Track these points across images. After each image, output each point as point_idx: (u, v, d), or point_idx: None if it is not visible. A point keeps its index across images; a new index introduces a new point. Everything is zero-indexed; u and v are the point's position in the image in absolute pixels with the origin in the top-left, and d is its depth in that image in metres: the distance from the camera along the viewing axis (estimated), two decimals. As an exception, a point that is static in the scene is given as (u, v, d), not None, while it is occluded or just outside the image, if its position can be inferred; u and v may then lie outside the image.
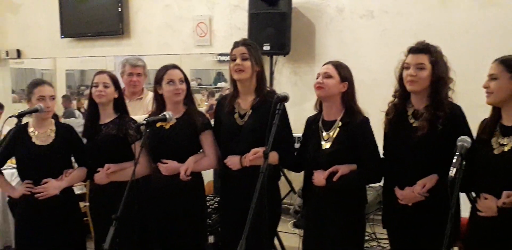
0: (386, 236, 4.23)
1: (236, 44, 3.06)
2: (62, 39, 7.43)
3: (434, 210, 2.61)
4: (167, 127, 3.12)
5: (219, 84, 6.35)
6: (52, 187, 3.12)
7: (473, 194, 2.65)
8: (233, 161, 3.04)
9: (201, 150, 3.21)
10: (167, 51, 6.57)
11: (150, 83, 6.16)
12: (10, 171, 3.92)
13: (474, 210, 2.57)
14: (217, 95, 6.25)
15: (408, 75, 2.66)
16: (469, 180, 2.48)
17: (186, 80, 3.16)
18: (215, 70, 6.36)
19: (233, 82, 3.10)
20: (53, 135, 3.19)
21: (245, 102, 3.08)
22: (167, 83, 3.10)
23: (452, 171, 2.19)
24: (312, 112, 3.07)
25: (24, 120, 3.16)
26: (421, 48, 2.67)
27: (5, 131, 3.29)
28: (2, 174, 3.33)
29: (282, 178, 4.92)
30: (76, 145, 3.24)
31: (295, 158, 3.11)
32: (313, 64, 5.74)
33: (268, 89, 3.13)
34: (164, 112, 2.95)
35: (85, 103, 4.19)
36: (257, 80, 3.06)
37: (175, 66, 3.16)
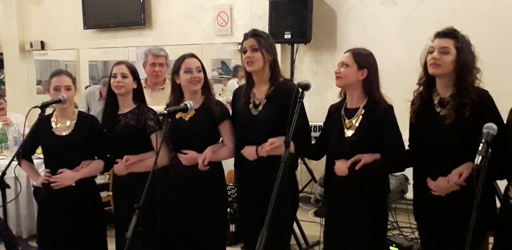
0: (408, 225, 4.22)
1: (245, 36, 3.04)
2: (85, 30, 7.47)
3: (468, 200, 2.49)
4: (187, 118, 3.11)
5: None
6: (66, 177, 3.14)
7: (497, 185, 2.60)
8: (249, 152, 3.02)
9: (221, 140, 3.20)
10: (188, 41, 6.57)
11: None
12: (35, 161, 3.96)
13: (506, 198, 2.52)
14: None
15: (432, 58, 2.60)
16: (501, 168, 2.43)
17: (203, 70, 3.15)
18: (236, 59, 6.34)
19: (247, 73, 3.08)
20: (73, 125, 3.20)
21: (259, 92, 3.06)
22: (185, 72, 3.08)
23: (478, 159, 2.13)
24: (333, 100, 3.03)
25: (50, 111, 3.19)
26: (447, 33, 2.62)
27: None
28: (32, 161, 3.39)
29: (303, 166, 4.93)
30: (96, 137, 3.23)
31: (315, 145, 3.08)
32: (335, 52, 5.68)
33: (283, 78, 3.10)
34: (185, 102, 2.93)
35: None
36: (271, 69, 3.03)
37: (192, 55, 3.16)
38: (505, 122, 2.53)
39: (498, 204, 2.68)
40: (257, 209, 2.93)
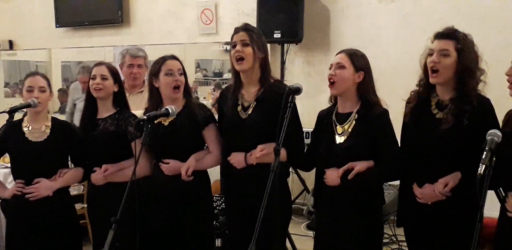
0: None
1: (236, 30, 3.03)
2: (57, 29, 7.44)
3: (455, 209, 2.57)
4: (166, 123, 3.10)
5: (225, 76, 6.34)
6: (44, 187, 3.12)
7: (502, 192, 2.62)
8: (237, 159, 3.01)
9: (206, 146, 3.20)
10: (170, 40, 6.57)
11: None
12: (3, 170, 3.94)
13: (503, 210, 2.54)
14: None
15: (431, 62, 2.63)
16: (495, 177, 2.45)
17: (184, 73, 3.16)
18: (221, 60, 6.35)
19: (235, 72, 3.07)
20: (48, 131, 3.19)
21: (248, 94, 3.05)
22: (165, 75, 3.08)
23: (481, 168, 2.15)
24: (327, 104, 3.04)
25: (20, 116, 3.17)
26: (447, 34, 2.63)
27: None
28: None
29: (295, 176, 4.94)
30: (73, 144, 3.23)
31: (305, 155, 3.07)
32: (328, 53, 5.70)
33: (274, 79, 3.10)
34: (166, 107, 2.94)
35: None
36: (261, 68, 3.02)
37: (173, 57, 3.16)
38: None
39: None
40: (246, 222, 2.92)
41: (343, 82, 2.78)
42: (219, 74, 6.43)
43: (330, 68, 2.84)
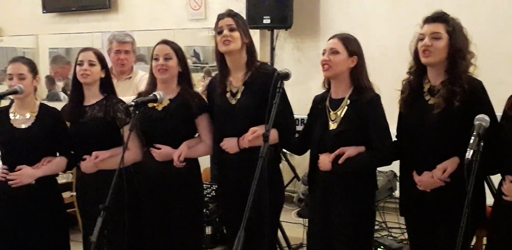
0: (397, 225, 4.26)
1: (221, 16, 3.06)
2: (44, 15, 7.37)
3: (455, 196, 2.56)
4: (160, 108, 3.10)
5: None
6: (25, 174, 3.10)
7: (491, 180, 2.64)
8: (230, 144, 3.02)
9: (197, 134, 3.20)
10: (158, 26, 6.53)
11: (141, 62, 6.19)
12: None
13: (499, 194, 2.56)
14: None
15: (423, 45, 2.63)
16: (493, 162, 2.48)
17: (179, 58, 3.15)
18: (211, 46, 6.31)
19: (220, 60, 3.09)
20: (33, 118, 3.17)
21: (236, 80, 3.06)
22: (154, 59, 3.11)
23: (469, 153, 2.16)
24: (317, 91, 3.04)
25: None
26: (437, 17, 2.65)
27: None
28: None
29: (285, 163, 4.94)
30: (59, 132, 3.21)
31: (298, 139, 3.10)
32: (318, 38, 5.69)
33: (260, 62, 3.11)
34: (154, 93, 2.94)
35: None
36: (247, 53, 3.05)
37: (164, 42, 3.16)
38: (501, 112, 2.57)
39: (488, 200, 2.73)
40: (241, 208, 2.93)
41: (337, 67, 2.79)
42: (206, 60, 6.41)
43: (323, 54, 2.84)
